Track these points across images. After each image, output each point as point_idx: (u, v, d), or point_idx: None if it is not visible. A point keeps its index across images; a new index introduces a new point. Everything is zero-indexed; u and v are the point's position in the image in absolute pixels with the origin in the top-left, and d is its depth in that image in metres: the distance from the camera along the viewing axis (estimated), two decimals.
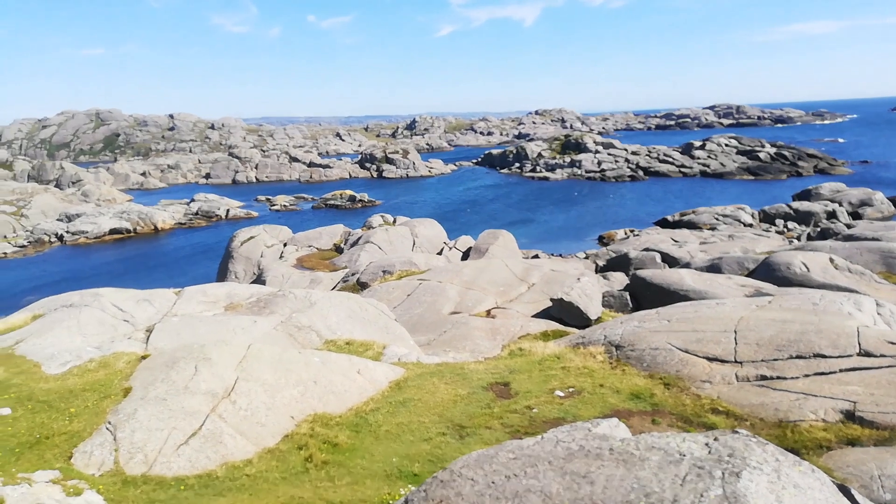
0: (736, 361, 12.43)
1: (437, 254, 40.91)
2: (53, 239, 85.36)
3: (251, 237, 48.73)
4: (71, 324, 14.95)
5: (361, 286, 31.40)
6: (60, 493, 7.36)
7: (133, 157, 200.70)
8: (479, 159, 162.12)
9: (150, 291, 18.40)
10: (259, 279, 40.36)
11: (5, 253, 79.73)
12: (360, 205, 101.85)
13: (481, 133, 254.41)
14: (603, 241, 64.28)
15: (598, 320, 22.30)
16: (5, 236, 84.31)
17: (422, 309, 24.25)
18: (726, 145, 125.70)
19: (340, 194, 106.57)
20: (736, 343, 12.92)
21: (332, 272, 39.70)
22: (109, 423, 9.17)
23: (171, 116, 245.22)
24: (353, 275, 35.37)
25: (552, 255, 54.64)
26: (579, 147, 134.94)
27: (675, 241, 47.56)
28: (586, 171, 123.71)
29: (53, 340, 13.87)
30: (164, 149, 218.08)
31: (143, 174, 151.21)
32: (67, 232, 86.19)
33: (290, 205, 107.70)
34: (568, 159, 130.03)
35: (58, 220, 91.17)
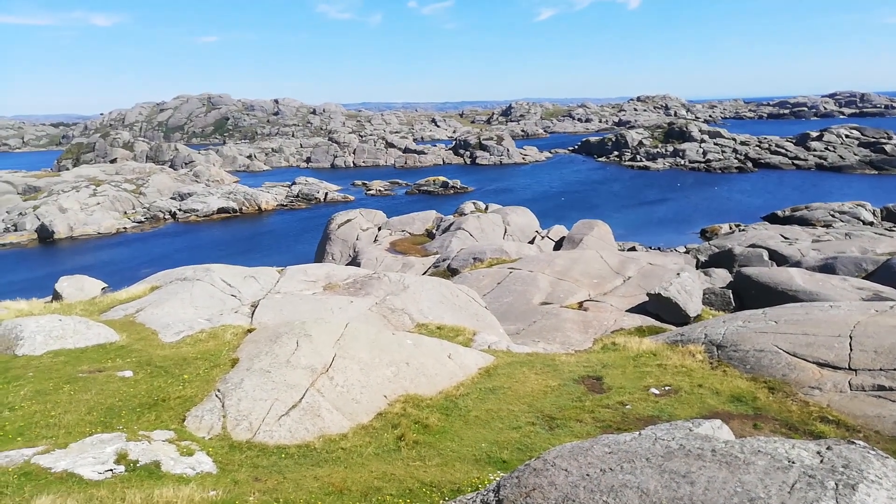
0: (850, 369, 11.61)
1: (529, 242, 40.58)
2: (167, 216, 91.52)
3: (348, 220, 50.21)
4: (184, 296, 16.02)
5: (452, 272, 31.68)
6: (175, 451, 7.94)
7: (240, 141, 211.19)
8: (576, 147, 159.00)
9: (255, 269, 19.38)
10: (354, 261, 41.58)
11: (125, 227, 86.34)
12: (452, 191, 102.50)
13: (579, 120, 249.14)
14: (706, 235, 61.60)
15: (698, 318, 21.43)
16: (126, 212, 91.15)
17: (512, 298, 24.18)
18: (847, 136, 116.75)
19: (434, 180, 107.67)
20: (851, 349, 12.06)
21: (423, 257, 40.29)
22: (219, 390, 9.78)
23: (276, 101, 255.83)
24: (444, 260, 35.74)
25: (650, 248, 52.93)
26: (683, 136, 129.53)
27: (785, 238, 44.82)
28: (690, 161, 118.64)
29: (169, 310, 14.92)
30: (268, 133, 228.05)
31: (249, 157, 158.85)
32: (180, 210, 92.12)
33: (385, 190, 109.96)
34: (671, 148, 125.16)
35: (171, 198, 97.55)
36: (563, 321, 20.98)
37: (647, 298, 22.42)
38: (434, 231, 47.28)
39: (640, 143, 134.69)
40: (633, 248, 50.40)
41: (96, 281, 20.17)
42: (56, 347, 12.01)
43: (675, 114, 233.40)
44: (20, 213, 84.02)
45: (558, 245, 39.56)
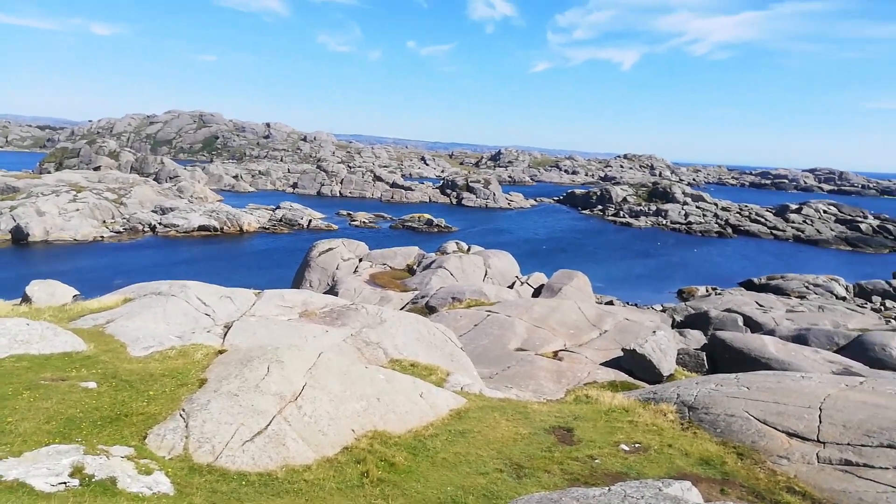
0: (818, 441, 11.66)
1: (509, 287, 40.67)
2: (146, 229, 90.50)
3: (329, 249, 50.01)
4: (157, 311, 15.73)
5: (430, 310, 31.57)
6: (133, 469, 7.69)
7: (228, 160, 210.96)
8: (561, 197, 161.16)
9: (232, 290, 19.14)
10: (332, 290, 41.28)
11: (103, 236, 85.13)
12: (436, 229, 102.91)
13: (566, 171, 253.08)
14: (682, 295, 62.28)
15: (671, 377, 21.51)
16: (105, 221, 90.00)
17: (488, 341, 24.11)
18: (824, 212, 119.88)
19: (419, 217, 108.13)
20: (820, 421, 12.14)
21: (402, 292, 40.14)
22: (183, 410, 9.54)
23: (268, 125, 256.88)
24: (422, 297, 35.64)
25: (627, 303, 53.32)
26: (667, 196, 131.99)
27: (760, 306, 45.46)
28: (672, 222, 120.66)
29: (140, 324, 14.63)
30: (257, 155, 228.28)
31: (236, 177, 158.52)
32: (160, 224, 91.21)
33: (370, 222, 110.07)
34: (654, 207, 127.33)
35: (153, 211, 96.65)
36: (538, 369, 20.92)
37: (621, 353, 22.48)
38: (415, 267, 47.24)
39: (625, 199, 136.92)
40: (610, 302, 50.74)
41: (68, 287, 19.76)
42: (20, 352, 11.67)
43: (660, 174, 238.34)
44: None
45: (537, 292, 39.70)
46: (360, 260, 49.35)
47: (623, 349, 22.32)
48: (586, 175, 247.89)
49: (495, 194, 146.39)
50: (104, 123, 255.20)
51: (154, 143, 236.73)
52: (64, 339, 12.47)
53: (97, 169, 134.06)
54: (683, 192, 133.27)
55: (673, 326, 40.32)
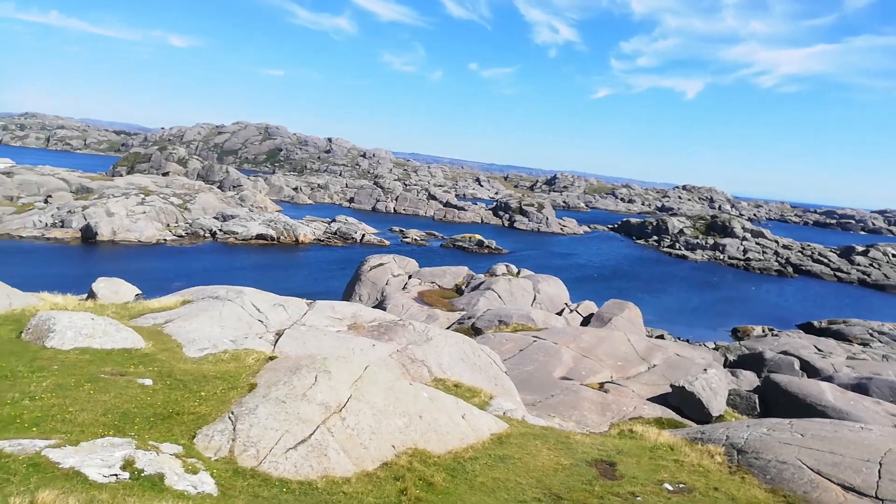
0: (877, 497, 11.08)
1: (557, 314, 40.24)
2: (207, 234, 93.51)
3: (380, 264, 50.61)
4: (214, 314, 16.23)
5: (475, 331, 31.50)
6: (180, 467, 7.93)
7: (289, 172, 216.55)
8: (616, 225, 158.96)
9: (285, 298, 19.59)
10: (381, 305, 41.71)
11: (165, 239, 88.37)
12: (486, 251, 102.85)
13: (622, 199, 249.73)
14: (737, 334, 60.33)
15: (720, 418, 20.84)
16: (168, 225, 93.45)
17: (532, 367, 23.88)
18: (893, 255, 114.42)
19: (469, 237, 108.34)
20: (879, 477, 11.54)
21: (449, 311, 40.22)
22: (232, 413, 9.79)
23: (330, 140, 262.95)
24: (469, 318, 35.61)
25: (679, 338, 51.98)
26: (725, 230, 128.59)
27: (819, 351, 43.60)
28: (729, 257, 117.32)
29: (197, 326, 15.12)
30: (317, 168, 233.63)
31: (295, 189, 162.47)
32: (220, 230, 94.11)
33: (421, 239, 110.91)
34: (711, 241, 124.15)
35: (214, 217, 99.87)
36: (582, 399, 20.58)
37: (669, 389, 21.90)
38: (463, 287, 47.29)
39: (681, 231, 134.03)
40: (661, 336, 49.57)
41: (131, 286, 20.62)
42: (84, 345, 12.23)
43: (720, 207, 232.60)
44: (69, 211, 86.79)
45: (586, 321, 39.14)
46: (410, 277, 49.74)
47: (672, 385, 21.75)
48: (643, 204, 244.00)
49: (548, 219, 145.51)
50: (175, 131, 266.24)
51: (221, 153, 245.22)
52: (125, 335, 13.00)
53: (166, 174, 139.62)
54: (743, 227, 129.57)
55: (725, 365, 39.06)
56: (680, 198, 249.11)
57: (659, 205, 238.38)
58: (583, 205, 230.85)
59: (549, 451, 12.26)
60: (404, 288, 47.25)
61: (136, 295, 20.24)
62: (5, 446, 7.47)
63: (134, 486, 7.20)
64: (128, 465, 7.59)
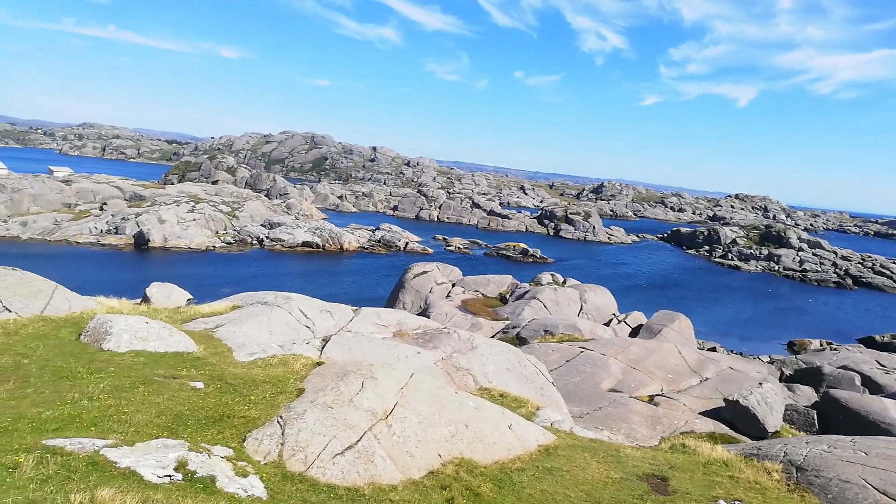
0: None
1: (605, 324, 39.57)
2: (255, 241, 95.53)
3: (424, 272, 50.74)
4: (262, 319, 16.48)
5: (520, 341, 31.22)
6: (231, 470, 7.99)
7: (335, 181, 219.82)
8: (665, 235, 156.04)
9: (331, 304, 19.76)
10: (424, 312, 41.74)
11: (214, 246, 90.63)
12: (531, 259, 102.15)
13: (671, 208, 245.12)
14: (793, 348, 58.36)
15: (776, 434, 20.07)
16: (217, 232, 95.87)
17: (579, 378, 23.50)
18: None
19: (514, 246, 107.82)
20: None
21: (493, 320, 39.98)
22: (281, 417, 9.85)
23: (374, 149, 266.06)
24: (513, 328, 35.33)
25: (731, 351, 50.54)
26: (780, 241, 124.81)
27: (882, 366, 41.69)
28: (784, 268, 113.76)
29: (246, 331, 15.36)
30: (362, 177, 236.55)
31: (340, 197, 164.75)
32: (267, 238, 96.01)
33: (465, 248, 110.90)
34: (765, 252, 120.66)
35: (262, 225, 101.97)
36: (631, 412, 20.12)
37: (723, 404, 21.25)
38: (507, 296, 46.99)
39: (734, 241, 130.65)
40: (713, 349, 48.26)
41: (183, 291, 21.12)
42: (138, 348, 12.54)
43: (774, 217, 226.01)
44: (123, 218, 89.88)
45: (635, 332, 38.36)
46: (454, 285, 49.70)
47: (725, 399, 21.09)
48: (693, 213, 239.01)
49: (595, 227, 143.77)
50: (224, 140, 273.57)
51: (268, 161, 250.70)
52: (177, 339, 13.27)
53: (215, 182, 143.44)
54: (799, 238, 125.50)
55: (781, 380, 37.72)
56: (732, 207, 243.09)
57: (710, 214, 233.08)
58: (631, 214, 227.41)
59: (598, 464, 11.97)
60: (448, 296, 47.23)
61: (188, 300, 20.73)
62: (66, 444, 7.67)
63: (187, 488, 7.28)
64: (181, 466, 7.69)
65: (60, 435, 8.14)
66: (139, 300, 20.41)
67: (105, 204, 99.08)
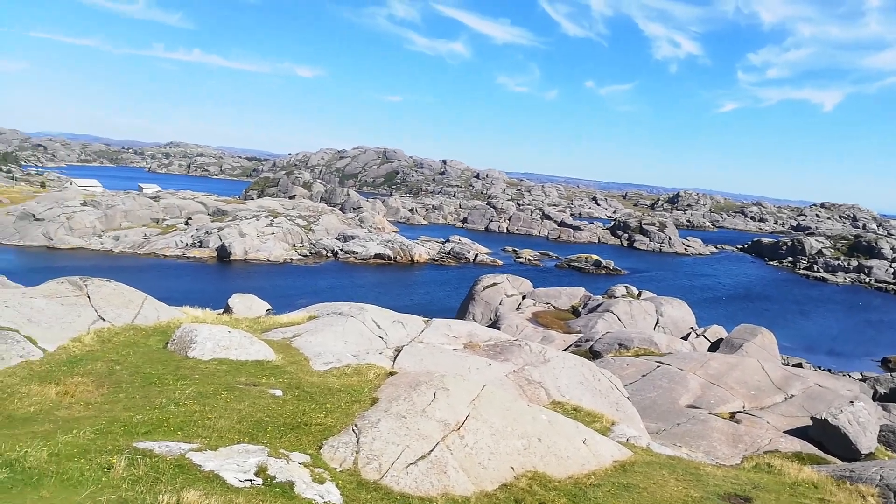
0: None
1: (682, 338, 38.29)
2: (329, 254, 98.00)
3: (494, 284, 50.62)
4: (337, 329, 16.87)
5: (594, 355, 30.62)
6: (308, 476, 8.19)
7: (405, 194, 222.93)
8: (746, 246, 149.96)
9: (404, 315, 20.00)
10: (495, 325, 41.61)
11: (291, 259, 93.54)
12: (604, 271, 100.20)
13: (752, 218, 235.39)
14: (888, 365, 54.71)
15: (870, 456, 18.81)
16: (294, 245, 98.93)
17: (656, 394, 22.80)
18: None
19: (586, 258, 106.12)
20: None
21: (565, 333, 39.40)
22: (356, 425, 10.03)
23: (444, 162, 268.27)
24: (586, 341, 34.71)
25: (819, 367, 47.88)
26: (871, 251, 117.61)
27: None
28: (877, 281, 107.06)
29: (322, 340, 15.76)
30: (432, 190, 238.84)
31: (411, 210, 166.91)
32: (341, 250, 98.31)
33: (535, 259, 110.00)
34: (855, 263, 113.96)
35: (336, 238, 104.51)
36: (711, 429, 19.35)
37: (810, 422, 20.13)
38: (580, 309, 46.23)
39: (820, 252, 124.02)
40: (799, 364, 45.83)
41: (263, 302, 21.89)
42: (221, 356, 13.07)
43: (864, 226, 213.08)
44: (206, 232, 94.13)
45: (714, 347, 36.93)
46: (524, 297, 49.34)
47: (812, 418, 19.98)
48: (775, 223, 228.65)
49: (671, 238, 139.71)
50: (301, 156, 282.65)
51: (342, 176, 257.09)
52: (257, 348, 13.76)
53: (292, 197, 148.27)
54: (893, 248, 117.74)
55: (875, 398, 35.39)
56: (818, 216, 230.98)
57: (794, 224, 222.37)
58: (708, 224, 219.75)
59: (676, 482, 11.55)
60: (518, 308, 46.92)
61: (267, 310, 21.46)
62: (155, 447, 8.07)
63: (266, 492, 7.51)
64: (261, 471, 7.94)
65: (150, 438, 8.58)
66: (222, 310, 21.28)
67: (190, 219, 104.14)
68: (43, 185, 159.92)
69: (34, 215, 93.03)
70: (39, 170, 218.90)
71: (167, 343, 13.87)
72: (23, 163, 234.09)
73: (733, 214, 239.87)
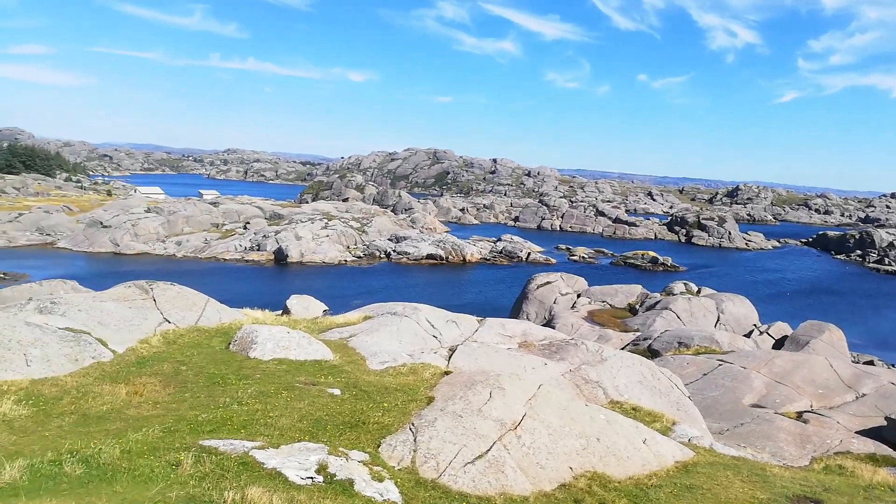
0: None
1: (744, 336, 37.10)
2: (382, 255, 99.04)
3: (547, 282, 50.15)
4: (392, 329, 17.04)
5: (652, 353, 29.99)
6: (367, 474, 8.29)
7: (456, 194, 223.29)
8: (810, 239, 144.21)
9: (457, 315, 20.05)
10: (549, 324, 41.24)
11: (346, 260, 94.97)
12: (661, 268, 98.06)
13: (816, 211, 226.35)
14: None
15: None
16: (348, 247, 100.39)
17: (718, 393, 22.16)
18: None
19: (642, 254, 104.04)
20: None
21: (622, 332, 38.73)
22: (413, 424, 10.11)
23: (494, 161, 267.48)
24: (644, 339, 34.03)
25: (893, 365, 45.53)
26: None
27: None
28: None
29: (378, 340, 15.96)
30: (483, 189, 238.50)
31: (462, 210, 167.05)
32: (394, 251, 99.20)
33: (589, 257, 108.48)
34: None
35: (388, 239, 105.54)
36: (777, 430, 18.68)
37: (884, 423, 19.19)
38: (637, 307, 45.36)
39: (891, 244, 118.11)
40: (870, 362, 43.73)
41: (319, 303, 22.32)
42: (281, 356, 13.39)
43: None
44: (264, 236, 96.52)
45: (779, 344, 35.64)
46: (579, 295, 48.73)
47: (887, 418, 19.07)
48: (842, 216, 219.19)
49: (731, 233, 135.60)
50: (353, 160, 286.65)
51: (393, 178, 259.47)
52: (315, 348, 14.03)
53: (345, 200, 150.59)
54: None
55: None
56: (888, 207, 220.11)
57: (862, 216, 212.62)
58: (770, 217, 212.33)
59: (742, 483, 11.20)
60: (573, 307, 46.37)
61: (324, 311, 21.86)
62: (220, 445, 8.32)
63: (327, 489, 7.64)
64: (321, 469, 8.08)
65: (214, 436, 8.85)
66: (280, 311, 21.79)
67: (248, 223, 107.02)
68: (109, 193, 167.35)
69: (101, 223, 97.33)
70: (106, 179, 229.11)
71: (229, 344, 14.28)
72: (90, 173, 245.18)
73: (796, 207, 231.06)
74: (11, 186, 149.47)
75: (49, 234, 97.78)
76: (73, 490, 6.93)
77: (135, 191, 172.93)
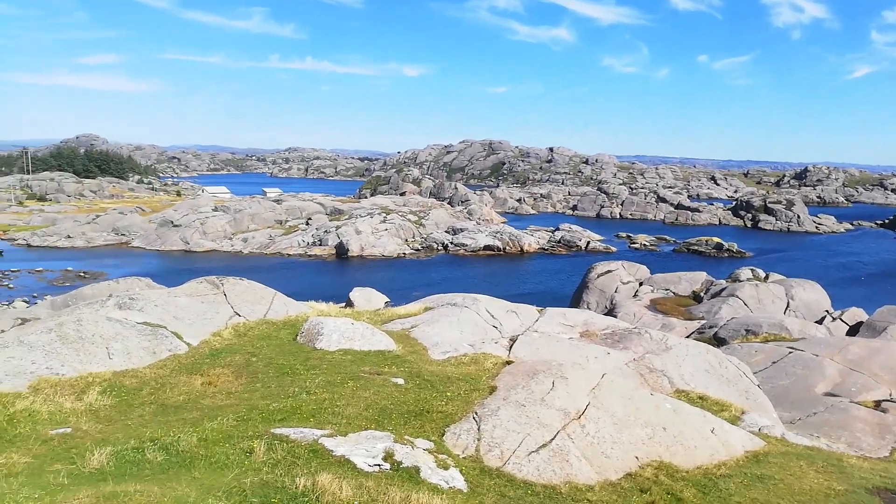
0: None
1: (816, 322, 35.62)
2: (440, 247, 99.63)
3: (608, 271, 49.39)
4: (452, 320, 17.20)
5: (718, 341, 29.18)
6: (432, 462, 8.46)
7: (513, 185, 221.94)
8: (886, 221, 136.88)
9: (517, 305, 20.05)
10: (611, 313, 40.63)
11: (404, 253, 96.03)
12: (726, 254, 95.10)
13: (893, 191, 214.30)
14: None
15: None
16: (406, 240, 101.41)
17: (788, 381, 21.38)
18: None
19: (706, 240, 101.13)
20: None
21: (686, 320, 37.81)
22: (476, 413, 10.23)
23: (551, 150, 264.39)
24: (710, 327, 33.14)
25: None
26: None
27: None
28: None
29: (438, 331, 16.15)
30: (540, 179, 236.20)
31: (519, 200, 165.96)
32: (451, 243, 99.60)
33: (651, 244, 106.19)
34: None
35: (446, 231, 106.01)
36: (853, 419, 17.90)
37: None
38: (702, 294, 44.16)
39: None
40: None
41: (381, 295, 22.74)
42: (346, 347, 13.74)
43: None
44: (325, 231, 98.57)
45: (853, 331, 34.05)
46: (641, 284, 47.79)
47: None
48: None
49: (800, 217, 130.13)
50: (409, 154, 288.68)
51: (449, 171, 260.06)
52: (379, 338, 14.33)
53: (403, 194, 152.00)
54: None
55: None
56: None
57: None
58: (842, 199, 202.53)
59: (816, 474, 10.86)
60: (635, 295, 45.53)
61: (385, 303, 22.25)
62: (291, 433, 8.65)
63: (394, 477, 7.84)
64: (388, 456, 8.29)
65: (285, 424, 9.19)
66: (343, 304, 22.30)
67: (310, 219, 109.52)
68: (179, 193, 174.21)
69: (172, 222, 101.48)
70: (175, 180, 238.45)
71: (296, 335, 14.74)
72: (161, 174, 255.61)
73: (870, 188, 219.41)
74: (89, 190, 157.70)
75: (124, 235, 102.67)
76: (155, 476, 7.35)
77: (202, 191, 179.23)
